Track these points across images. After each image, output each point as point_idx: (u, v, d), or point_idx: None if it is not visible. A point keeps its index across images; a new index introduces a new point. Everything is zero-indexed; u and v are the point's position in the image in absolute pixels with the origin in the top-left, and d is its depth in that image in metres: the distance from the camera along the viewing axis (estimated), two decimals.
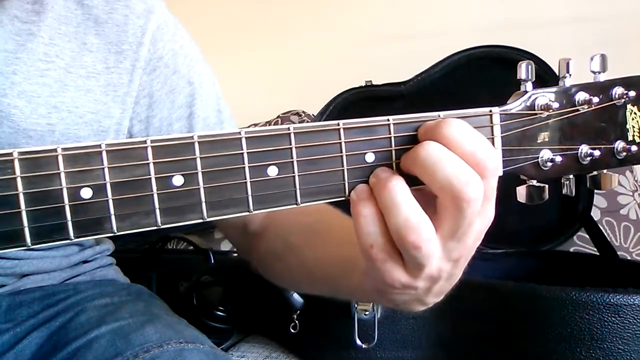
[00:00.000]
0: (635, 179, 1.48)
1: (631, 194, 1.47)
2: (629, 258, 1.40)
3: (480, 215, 0.49)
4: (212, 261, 1.09)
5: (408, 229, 0.47)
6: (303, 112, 1.75)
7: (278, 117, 1.76)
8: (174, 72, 0.80)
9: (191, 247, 1.19)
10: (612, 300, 0.84)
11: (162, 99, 0.79)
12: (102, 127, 0.74)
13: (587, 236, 1.30)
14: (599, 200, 1.43)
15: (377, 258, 0.50)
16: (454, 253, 0.50)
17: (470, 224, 0.48)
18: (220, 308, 1.00)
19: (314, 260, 0.69)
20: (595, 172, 0.60)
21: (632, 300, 0.84)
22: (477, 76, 1.31)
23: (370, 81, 1.39)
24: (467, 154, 0.48)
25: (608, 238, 1.27)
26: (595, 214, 1.39)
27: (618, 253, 1.26)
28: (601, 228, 1.28)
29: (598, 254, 1.24)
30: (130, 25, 0.76)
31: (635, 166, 1.48)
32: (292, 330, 0.97)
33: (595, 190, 1.32)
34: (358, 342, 0.93)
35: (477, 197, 0.47)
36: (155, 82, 0.78)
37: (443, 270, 0.51)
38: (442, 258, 0.50)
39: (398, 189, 0.48)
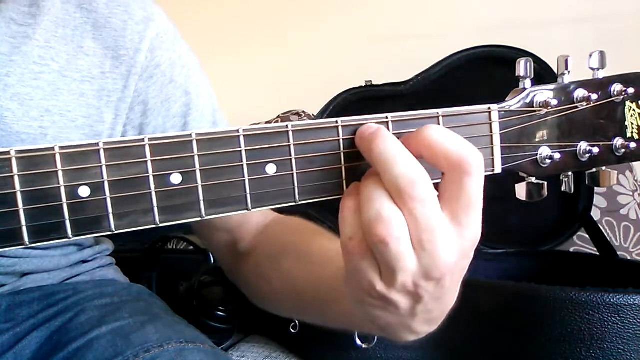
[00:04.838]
0: (635, 178, 1.48)
1: (631, 194, 1.47)
2: (629, 258, 1.40)
3: (450, 233, 0.48)
4: (212, 261, 1.09)
5: (377, 222, 0.46)
6: (303, 112, 1.75)
7: (278, 117, 1.76)
8: (171, 81, 0.79)
9: (191, 247, 1.19)
10: (612, 300, 0.84)
11: (157, 107, 0.78)
12: (95, 131, 0.74)
13: (587, 236, 1.30)
14: (599, 200, 1.43)
15: (355, 252, 0.49)
16: (432, 270, 0.48)
17: (431, 230, 0.47)
18: (220, 308, 1.01)
19: (303, 282, 0.68)
20: (594, 169, 0.60)
21: (632, 300, 0.84)
22: (477, 76, 1.31)
23: (370, 81, 1.39)
24: (450, 151, 0.47)
25: (608, 238, 1.27)
26: (595, 214, 1.38)
27: (618, 253, 1.25)
28: (601, 228, 1.28)
29: (598, 254, 1.24)
30: (129, 31, 0.76)
31: (635, 166, 1.48)
32: (292, 330, 0.97)
33: (595, 190, 1.32)
34: (358, 342, 0.93)
35: (424, 197, 0.46)
36: (151, 90, 0.77)
37: (421, 287, 0.49)
38: (418, 273, 0.48)
39: (376, 184, 0.47)
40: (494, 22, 1.81)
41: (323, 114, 1.35)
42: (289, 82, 1.98)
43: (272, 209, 0.82)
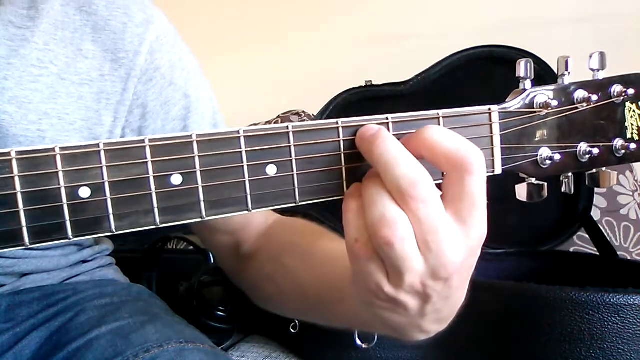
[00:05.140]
0: (635, 178, 1.48)
1: (631, 194, 1.46)
2: (629, 258, 1.40)
3: (455, 233, 0.48)
4: (212, 261, 1.09)
5: (382, 224, 0.46)
6: (303, 112, 1.75)
7: (278, 117, 1.76)
8: (170, 83, 0.78)
9: (191, 247, 1.19)
10: (612, 300, 0.84)
11: (156, 110, 0.77)
12: (94, 134, 0.73)
13: (587, 236, 1.30)
14: (599, 200, 1.43)
15: (361, 254, 0.49)
16: (440, 270, 0.48)
17: (436, 230, 0.47)
18: (220, 308, 1.01)
19: (308, 282, 0.68)
20: (594, 170, 0.60)
21: (632, 300, 0.84)
22: (477, 76, 1.30)
23: (370, 81, 1.39)
24: (450, 150, 0.47)
25: (608, 238, 1.26)
26: (595, 214, 1.38)
27: (618, 253, 1.25)
28: (601, 228, 1.28)
29: (598, 254, 1.24)
30: (129, 33, 0.75)
31: (635, 166, 1.48)
32: (292, 330, 0.97)
33: (595, 190, 1.32)
34: (358, 342, 0.93)
35: (426, 198, 0.46)
36: (150, 93, 0.77)
37: (429, 287, 0.49)
38: (425, 273, 0.48)
39: (378, 186, 0.48)
40: (494, 22, 1.81)
41: (323, 114, 1.35)
42: (289, 82, 1.98)
43: (274, 210, 0.83)
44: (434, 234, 0.46)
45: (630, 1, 1.72)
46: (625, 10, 1.71)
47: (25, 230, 0.44)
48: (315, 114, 1.46)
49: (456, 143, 0.47)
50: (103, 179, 0.45)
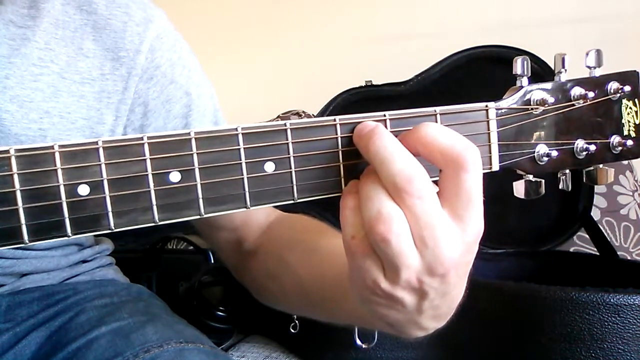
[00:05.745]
0: (635, 178, 1.48)
1: (631, 194, 1.46)
2: (629, 258, 1.40)
3: (451, 229, 0.48)
4: (212, 261, 1.09)
5: (378, 220, 0.46)
6: (303, 112, 1.75)
7: (278, 117, 1.76)
8: (171, 81, 0.78)
9: (191, 247, 1.19)
10: (612, 300, 0.84)
11: (157, 108, 0.78)
12: (95, 133, 0.73)
13: (587, 236, 1.30)
14: (599, 200, 1.43)
15: (357, 251, 0.49)
16: (436, 266, 0.48)
17: (432, 226, 0.47)
18: (220, 308, 1.01)
19: (310, 279, 0.68)
20: (591, 167, 0.60)
21: (632, 300, 0.84)
22: (477, 76, 1.31)
23: (370, 81, 1.39)
24: (446, 147, 0.47)
25: (608, 238, 1.27)
26: (595, 214, 1.38)
27: (618, 253, 1.25)
28: (601, 228, 1.28)
29: (598, 254, 1.24)
30: (129, 32, 0.75)
31: (635, 166, 1.48)
32: (292, 330, 0.97)
33: (595, 190, 1.32)
34: (358, 342, 0.93)
35: (422, 194, 0.46)
36: (151, 91, 0.77)
37: (426, 283, 0.49)
38: (422, 269, 0.48)
39: (375, 182, 0.48)
40: (494, 22, 1.81)
41: (323, 114, 1.35)
42: (289, 82, 1.98)
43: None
44: (430, 229, 0.46)
45: (630, 1, 1.72)
46: (626, 10, 1.72)
47: (24, 227, 0.44)
48: (315, 114, 1.46)
49: (452, 140, 0.48)
50: (102, 177, 0.45)
